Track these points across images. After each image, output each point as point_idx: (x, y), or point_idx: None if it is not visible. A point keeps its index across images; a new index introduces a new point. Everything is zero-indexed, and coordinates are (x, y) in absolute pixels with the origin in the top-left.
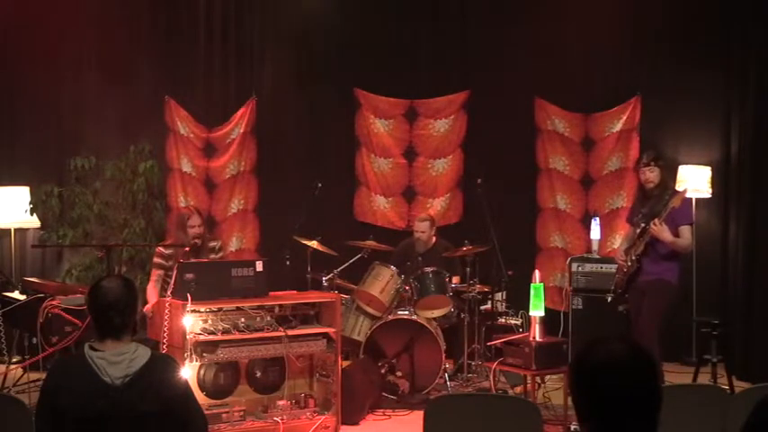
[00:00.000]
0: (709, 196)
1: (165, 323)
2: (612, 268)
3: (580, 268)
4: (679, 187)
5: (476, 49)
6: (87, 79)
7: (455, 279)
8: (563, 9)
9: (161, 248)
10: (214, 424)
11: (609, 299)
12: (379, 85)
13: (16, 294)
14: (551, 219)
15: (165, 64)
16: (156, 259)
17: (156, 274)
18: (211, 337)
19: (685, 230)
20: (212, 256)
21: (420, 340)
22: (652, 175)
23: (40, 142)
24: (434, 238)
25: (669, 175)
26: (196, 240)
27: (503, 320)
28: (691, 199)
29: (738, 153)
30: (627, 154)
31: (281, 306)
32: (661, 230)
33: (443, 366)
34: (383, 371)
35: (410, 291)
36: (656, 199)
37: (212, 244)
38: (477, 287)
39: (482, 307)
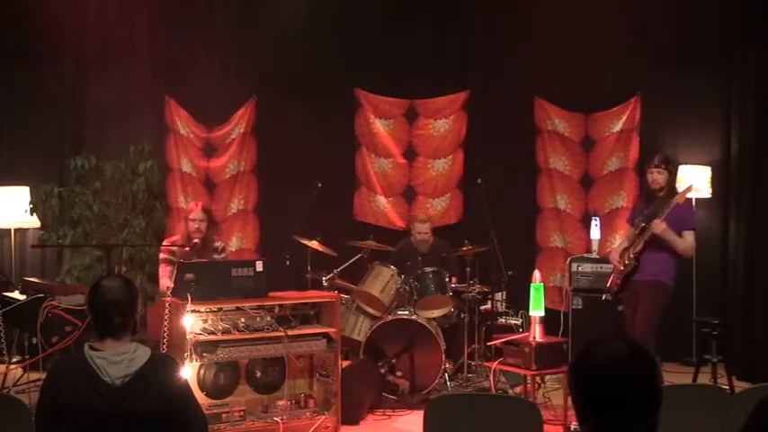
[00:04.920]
0: (709, 196)
1: (165, 323)
2: (611, 268)
3: (580, 268)
4: (680, 187)
5: (476, 49)
6: (87, 79)
7: (453, 280)
8: (563, 9)
9: (165, 245)
10: (214, 424)
11: (603, 297)
12: (379, 85)
13: (16, 294)
14: (551, 219)
15: (165, 64)
16: (162, 255)
17: (167, 269)
18: (211, 337)
19: (688, 235)
20: (215, 256)
21: (420, 340)
22: (660, 177)
23: (40, 142)
24: (432, 238)
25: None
26: (196, 240)
27: (503, 320)
28: (691, 200)
29: (738, 153)
30: (627, 154)
31: (281, 306)
32: (664, 229)
33: (443, 366)
34: (383, 371)
35: (410, 291)
36: (661, 201)
37: (216, 244)
38: (477, 287)
39: (482, 307)
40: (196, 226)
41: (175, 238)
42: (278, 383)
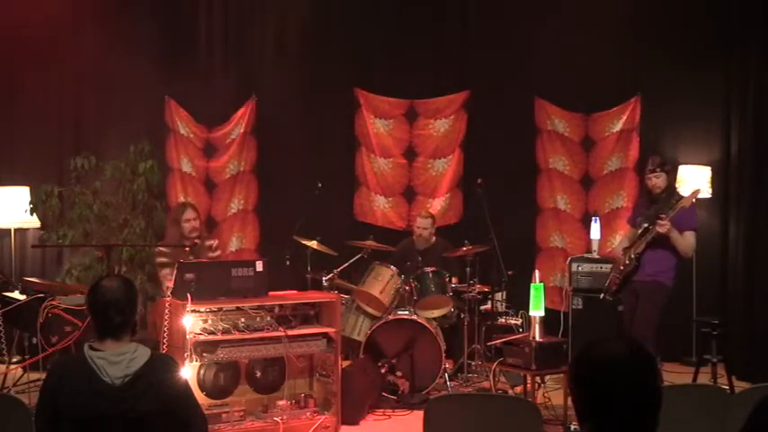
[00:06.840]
0: (709, 196)
1: (165, 323)
2: (611, 268)
3: (580, 268)
4: (680, 187)
5: (476, 49)
6: (87, 79)
7: (453, 280)
8: (563, 9)
9: (162, 248)
10: (214, 424)
11: (601, 297)
12: (379, 85)
13: (16, 294)
14: (551, 219)
15: (165, 64)
16: (159, 258)
17: (166, 272)
18: (211, 337)
19: (689, 235)
20: (210, 254)
21: (420, 340)
22: (659, 180)
23: (40, 142)
24: (434, 238)
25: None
26: (196, 240)
27: (503, 320)
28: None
29: (738, 153)
30: (627, 154)
31: (281, 306)
32: (669, 228)
33: (443, 366)
34: (383, 371)
35: (410, 291)
36: (663, 202)
37: (209, 242)
38: (477, 287)
39: (482, 307)
40: (192, 225)
41: (167, 242)
42: (278, 383)
